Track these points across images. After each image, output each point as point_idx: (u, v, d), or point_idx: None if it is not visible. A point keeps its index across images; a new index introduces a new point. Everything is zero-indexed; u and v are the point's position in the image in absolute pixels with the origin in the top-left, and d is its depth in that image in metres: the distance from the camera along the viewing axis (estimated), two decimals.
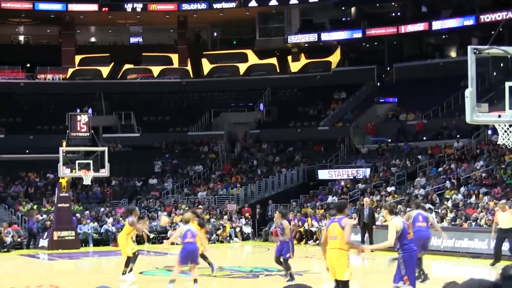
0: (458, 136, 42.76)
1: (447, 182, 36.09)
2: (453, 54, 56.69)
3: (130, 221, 20.24)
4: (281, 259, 18.68)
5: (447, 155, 40.82)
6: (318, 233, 34.10)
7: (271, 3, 57.29)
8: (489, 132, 40.79)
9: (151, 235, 33.19)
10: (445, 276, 15.76)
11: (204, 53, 61.39)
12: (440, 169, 39.12)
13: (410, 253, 12.95)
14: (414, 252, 13.14)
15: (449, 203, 32.15)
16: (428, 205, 31.91)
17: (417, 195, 34.94)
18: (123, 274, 20.17)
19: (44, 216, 37.65)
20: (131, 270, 20.21)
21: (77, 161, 34.14)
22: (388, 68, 56.46)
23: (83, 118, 35.96)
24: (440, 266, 23.78)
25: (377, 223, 30.07)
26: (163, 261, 20.68)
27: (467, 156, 39.61)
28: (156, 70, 60.39)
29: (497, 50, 12.70)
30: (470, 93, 12.27)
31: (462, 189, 34.21)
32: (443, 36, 56.85)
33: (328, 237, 12.49)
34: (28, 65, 58.10)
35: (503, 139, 13.36)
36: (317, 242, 33.67)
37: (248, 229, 38.32)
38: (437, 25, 52.71)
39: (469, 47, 12.53)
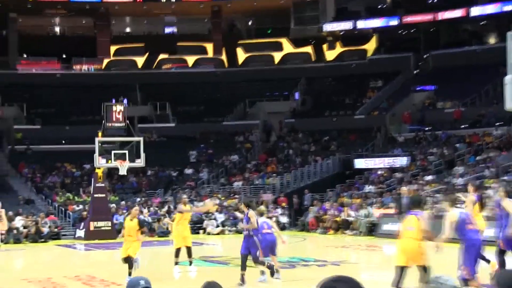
0: (496, 124, 42.12)
1: (486, 170, 35.54)
2: (491, 40, 55.87)
3: (178, 209, 20.43)
4: (253, 258, 17.02)
5: (486, 143, 40.24)
6: (354, 223, 33.82)
7: None
8: None
9: None
10: (486, 266, 15.47)
11: (238, 42, 61.23)
12: (478, 157, 38.56)
13: (469, 243, 12.91)
14: (472, 242, 12.96)
15: (490, 192, 31.61)
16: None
17: (454, 184, 34.50)
18: (175, 264, 19.94)
19: (80, 206, 37.86)
20: (176, 263, 19.83)
21: (113, 152, 34.20)
22: (425, 56, 55.80)
23: (118, 109, 36.01)
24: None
25: None
26: (199, 251, 20.52)
27: (507, 144, 39.02)
28: (190, 60, 60.37)
29: None
30: (510, 80, 11.96)
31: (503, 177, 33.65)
32: (481, 23, 56.04)
33: (405, 227, 12.81)
34: (64, 56, 58.48)
35: None
36: (354, 232, 33.42)
37: (284, 219, 38.05)
38: (475, 11, 51.97)
39: (508, 33, 12.22)
